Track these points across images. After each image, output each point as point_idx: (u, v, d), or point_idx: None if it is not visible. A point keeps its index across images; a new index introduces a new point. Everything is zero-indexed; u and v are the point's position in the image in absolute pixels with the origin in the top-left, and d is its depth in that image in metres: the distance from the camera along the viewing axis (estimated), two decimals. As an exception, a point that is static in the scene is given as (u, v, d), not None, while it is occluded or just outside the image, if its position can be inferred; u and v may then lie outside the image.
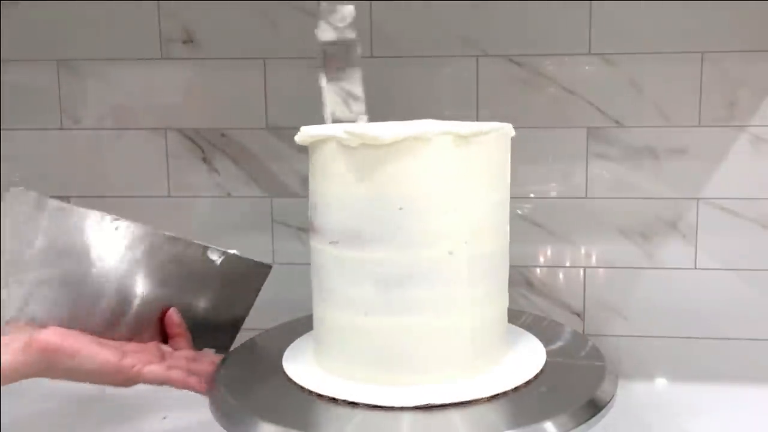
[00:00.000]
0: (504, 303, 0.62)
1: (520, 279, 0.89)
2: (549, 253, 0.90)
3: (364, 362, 0.58)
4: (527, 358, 0.62)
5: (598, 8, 0.85)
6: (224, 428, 0.56)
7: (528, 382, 0.58)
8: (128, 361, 0.61)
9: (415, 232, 0.55)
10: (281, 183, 0.92)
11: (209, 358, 0.68)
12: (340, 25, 0.65)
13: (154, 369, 0.62)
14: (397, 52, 0.88)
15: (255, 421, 0.54)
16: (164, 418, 0.73)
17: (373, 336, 0.57)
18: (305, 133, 0.60)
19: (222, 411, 0.57)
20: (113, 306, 0.65)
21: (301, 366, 0.62)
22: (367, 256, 0.56)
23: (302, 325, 0.71)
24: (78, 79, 0.92)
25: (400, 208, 0.55)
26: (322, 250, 0.59)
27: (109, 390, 0.79)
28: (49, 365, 0.58)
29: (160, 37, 0.90)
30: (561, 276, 0.90)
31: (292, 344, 0.67)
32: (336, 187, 0.57)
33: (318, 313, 0.62)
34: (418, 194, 0.55)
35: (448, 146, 0.55)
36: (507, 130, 0.60)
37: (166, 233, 0.69)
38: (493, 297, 0.60)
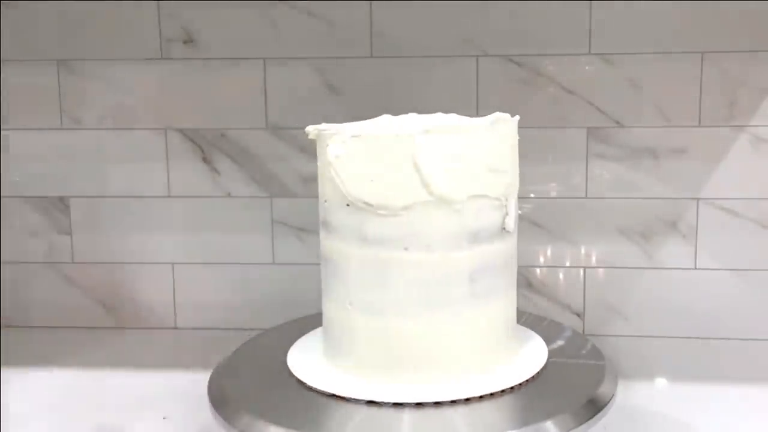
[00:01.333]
0: (512, 301, 0.62)
1: (520, 279, 0.88)
2: (549, 253, 0.90)
3: (373, 360, 0.58)
4: (530, 357, 0.62)
5: (598, 8, 0.85)
6: (224, 428, 0.56)
7: (528, 382, 0.58)
8: None
9: (423, 230, 0.55)
10: (281, 183, 0.92)
11: None
12: None
13: None
14: (397, 52, 0.88)
15: (256, 419, 0.54)
16: (164, 418, 0.73)
17: (381, 335, 0.57)
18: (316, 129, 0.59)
19: (222, 410, 0.57)
20: None
21: (306, 363, 0.62)
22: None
23: (303, 325, 0.71)
24: (78, 79, 0.92)
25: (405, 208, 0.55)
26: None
27: (109, 389, 0.79)
28: None
29: (160, 37, 0.90)
30: (561, 276, 0.90)
31: (297, 342, 0.67)
32: (346, 187, 0.57)
33: (326, 312, 0.62)
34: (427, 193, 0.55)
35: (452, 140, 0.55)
36: (506, 119, 0.59)
37: None
38: (501, 295, 0.60)
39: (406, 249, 0.56)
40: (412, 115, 0.61)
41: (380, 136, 0.56)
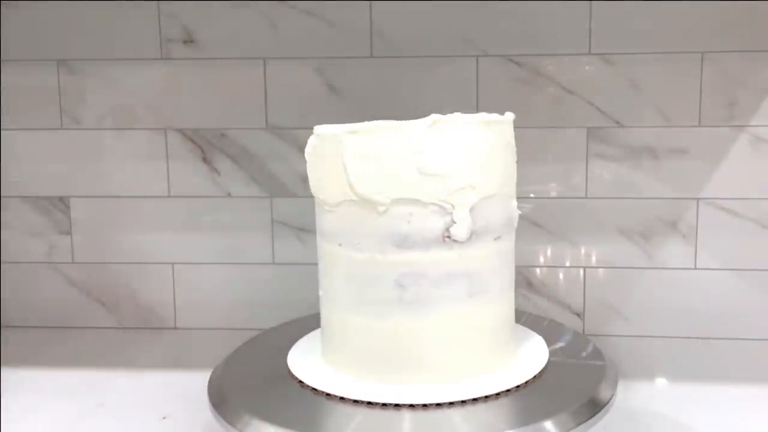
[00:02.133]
0: (510, 302, 0.62)
1: (520, 279, 0.88)
2: (549, 253, 0.90)
3: (370, 361, 0.58)
4: (531, 357, 0.62)
5: (598, 8, 0.85)
6: (224, 428, 0.56)
7: (529, 382, 0.58)
8: None
9: (352, 228, 0.56)
10: (281, 183, 0.92)
11: None
12: None
13: None
14: (397, 52, 0.88)
15: (255, 420, 0.54)
16: (164, 418, 0.73)
17: (380, 336, 0.57)
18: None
19: (222, 410, 0.57)
20: None
21: (306, 364, 0.62)
22: (374, 258, 0.56)
23: (303, 325, 0.71)
24: (78, 79, 0.92)
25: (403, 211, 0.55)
26: (329, 250, 0.59)
27: (109, 390, 0.79)
28: None
29: (160, 37, 0.90)
30: (561, 276, 0.90)
31: (297, 343, 0.67)
32: (310, 182, 0.58)
33: (325, 313, 0.62)
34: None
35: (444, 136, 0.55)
36: (505, 119, 0.59)
37: None
38: (498, 296, 0.60)
39: (340, 245, 0.57)
40: (457, 115, 0.58)
41: (322, 135, 0.57)
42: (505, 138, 0.59)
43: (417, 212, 0.55)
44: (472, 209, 0.56)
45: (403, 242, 0.55)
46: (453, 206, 0.55)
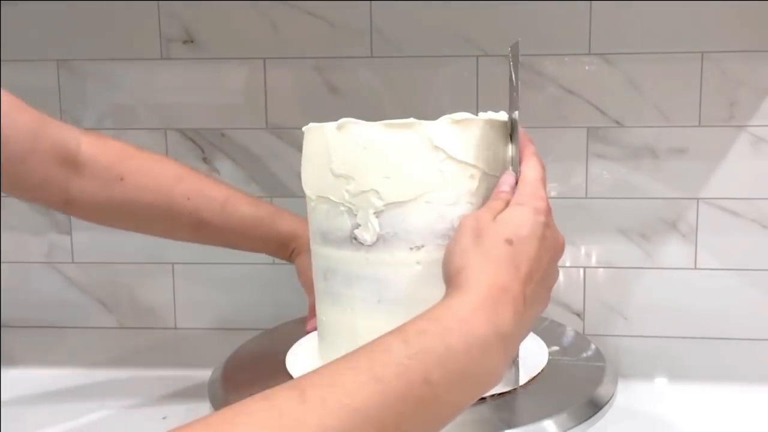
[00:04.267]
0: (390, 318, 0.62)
1: (520, 279, 0.89)
2: (549, 253, 0.90)
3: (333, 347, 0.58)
4: (530, 358, 0.62)
5: (598, 8, 0.85)
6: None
7: (529, 382, 0.58)
8: None
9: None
10: (281, 183, 0.92)
11: None
12: None
13: None
14: (397, 52, 0.88)
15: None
16: (164, 418, 0.73)
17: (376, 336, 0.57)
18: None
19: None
20: None
21: (305, 365, 0.62)
22: (367, 258, 0.56)
23: (302, 325, 0.71)
24: (78, 79, 0.92)
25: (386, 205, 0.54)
26: (322, 252, 0.59)
27: (109, 390, 0.79)
28: None
29: (160, 37, 0.90)
30: (561, 276, 0.90)
31: (297, 343, 0.67)
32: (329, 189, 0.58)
33: (321, 314, 0.62)
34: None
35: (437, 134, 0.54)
36: (497, 117, 0.59)
37: None
38: (364, 307, 0.59)
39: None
40: (501, 113, 0.58)
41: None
42: (426, 142, 0.54)
43: (331, 211, 0.57)
44: (378, 214, 0.54)
45: (325, 238, 0.58)
46: (357, 209, 0.55)
